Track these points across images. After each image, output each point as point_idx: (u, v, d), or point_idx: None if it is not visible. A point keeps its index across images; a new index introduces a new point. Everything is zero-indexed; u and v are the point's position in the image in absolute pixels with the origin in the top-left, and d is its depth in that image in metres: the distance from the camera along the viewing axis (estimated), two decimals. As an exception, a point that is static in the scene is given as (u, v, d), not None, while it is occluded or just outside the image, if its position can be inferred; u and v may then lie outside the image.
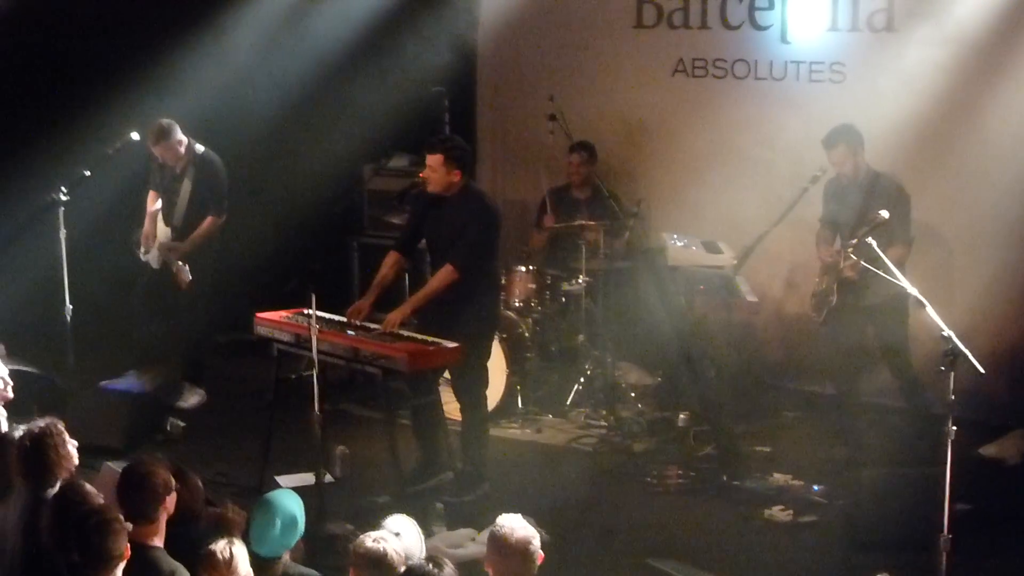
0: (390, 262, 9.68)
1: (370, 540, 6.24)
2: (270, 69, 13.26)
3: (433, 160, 9.36)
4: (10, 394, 8.36)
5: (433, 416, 9.66)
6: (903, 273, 8.37)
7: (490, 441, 9.92)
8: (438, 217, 9.51)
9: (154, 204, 11.55)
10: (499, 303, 10.10)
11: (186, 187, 11.35)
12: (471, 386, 9.62)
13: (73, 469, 7.04)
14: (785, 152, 11.69)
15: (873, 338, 10.22)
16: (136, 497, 6.46)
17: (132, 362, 11.60)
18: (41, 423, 7.06)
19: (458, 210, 9.39)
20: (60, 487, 6.64)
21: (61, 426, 7.08)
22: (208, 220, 11.35)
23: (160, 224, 11.44)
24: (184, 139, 11.33)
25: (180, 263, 11.18)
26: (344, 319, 9.41)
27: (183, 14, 12.60)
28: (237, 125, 12.87)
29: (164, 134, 11.19)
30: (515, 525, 6.21)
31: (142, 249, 11.48)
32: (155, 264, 11.39)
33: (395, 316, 9.26)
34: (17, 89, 12.39)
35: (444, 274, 9.30)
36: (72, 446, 7.08)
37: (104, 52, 12.52)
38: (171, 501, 6.55)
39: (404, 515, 6.78)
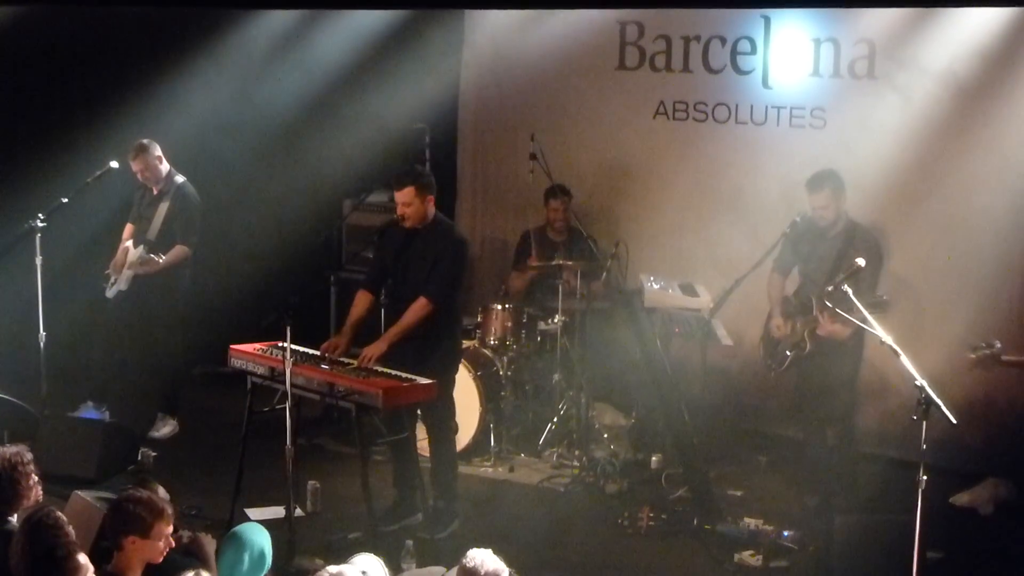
0: (362, 301, 9.69)
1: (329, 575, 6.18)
2: (253, 102, 13.26)
3: (406, 194, 9.34)
4: None
5: (409, 453, 9.62)
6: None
7: (461, 478, 9.92)
8: (408, 250, 9.51)
9: (128, 238, 11.55)
10: (461, 336, 10.10)
11: (162, 209, 11.41)
12: (441, 420, 9.64)
13: (35, 501, 7.01)
14: (764, 197, 11.71)
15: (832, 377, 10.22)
16: (118, 527, 6.43)
17: (91, 393, 11.57)
18: (12, 450, 7.03)
19: (428, 241, 9.43)
20: (35, 515, 6.58)
21: (29, 456, 7.05)
22: (177, 247, 11.35)
23: (131, 249, 11.41)
24: (164, 160, 11.38)
25: (151, 255, 11.17)
26: (319, 353, 9.40)
27: (166, 46, 12.62)
28: (219, 157, 12.90)
29: (142, 149, 11.32)
30: (485, 559, 6.20)
31: (110, 280, 11.45)
32: (123, 286, 11.36)
33: (372, 350, 9.24)
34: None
35: (419, 307, 9.30)
36: (36, 477, 7.05)
37: (86, 82, 12.54)
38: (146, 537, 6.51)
39: (371, 554, 6.76)
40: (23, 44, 12.17)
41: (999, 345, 8.42)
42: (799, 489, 10.51)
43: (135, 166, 11.32)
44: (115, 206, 11.84)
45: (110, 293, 11.46)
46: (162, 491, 7.36)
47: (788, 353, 10.07)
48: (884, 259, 10.06)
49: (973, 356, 8.44)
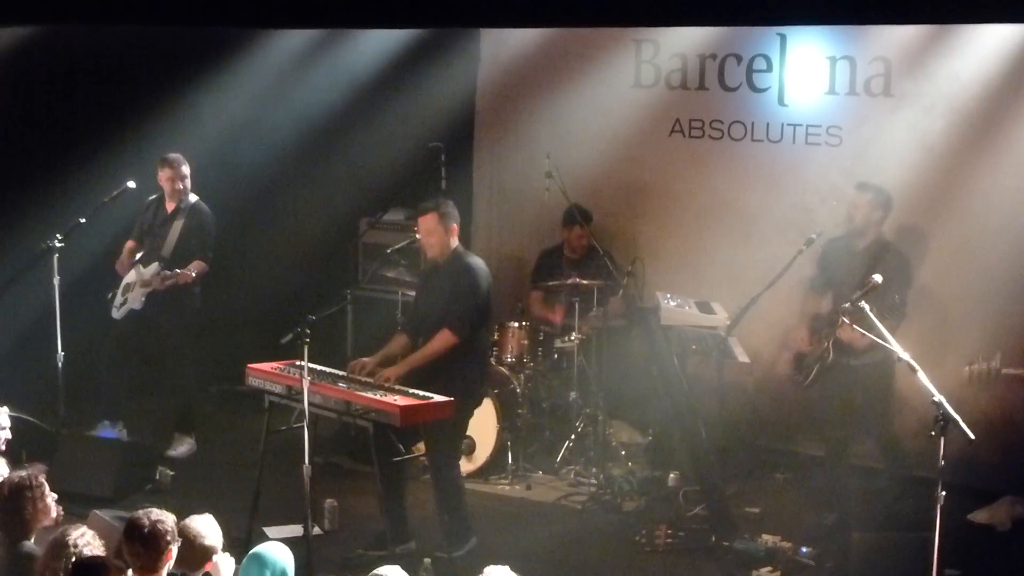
0: (398, 342, 9.64)
1: None
2: (269, 121, 13.29)
3: (428, 221, 9.34)
4: (2, 445, 8.35)
5: (401, 476, 9.50)
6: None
7: (476, 496, 9.91)
8: (431, 285, 9.50)
9: (128, 255, 11.54)
10: (483, 378, 9.92)
11: (176, 226, 11.44)
12: (444, 458, 9.43)
13: (50, 523, 7.02)
14: (780, 214, 11.73)
15: (859, 398, 10.22)
16: (142, 548, 6.44)
17: (108, 412, 11.58)
18: (22, 474, 7.05)
19: (448, 274, 9.39)
20: (56, 535, 6.59)
21: (42, 479, 7.06)
22: (196, 262, 11.35)
23: (140, 267, 11.42)
24: (187, 179, 11.41)
25: (178, 270, 11.18)
26: (337, 372, 9.39)
27: (183, 66, 12.65)
28: (234, 176, 12.91)
29: (176, 160, 11.43)
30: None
31: (117, 301, 11.46)
32: (137, 306, 11.37)
33: (391, 372, 9.20)
34: (15, 136, 12.42)
35: (443, 338, 9.22)
36: (51, 499, 7.06)
37: (103, 102, 12.56)
38: (173, 551, 6.54)
39: (396, 566, 6.75)
40: (39, 64, 12.21)
41: (998, 358, 8.40)
42: (816, 506, 10.50)
43: (164, 175, 11.37)
44: (132, 226, 11.84)
45: (118, 314, 11.45)
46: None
47: (814, 366, 10.05)
48: (912, 277, 10.06)
49: (968, 370, 8.42)
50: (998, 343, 10.66)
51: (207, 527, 6.95)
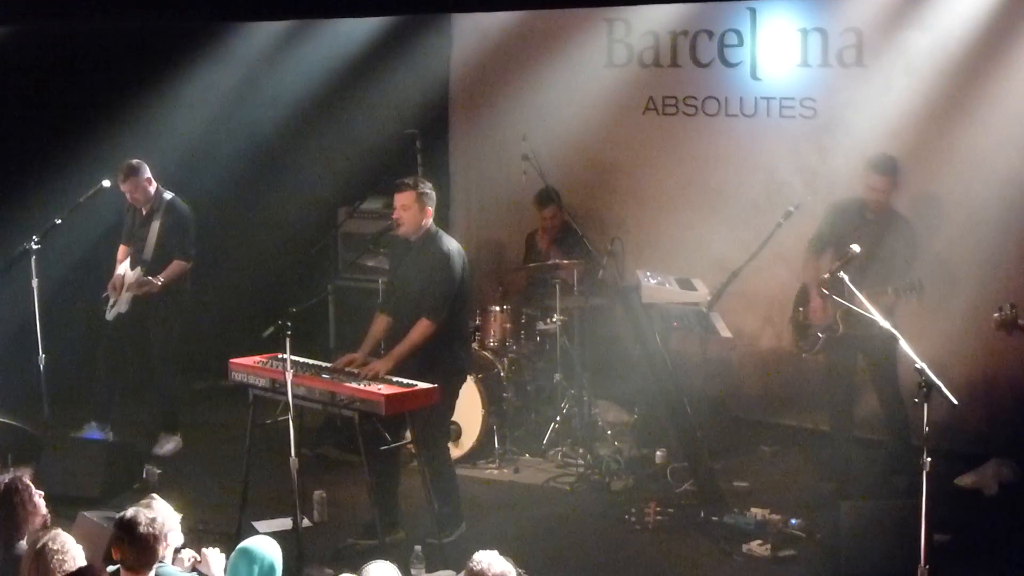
0: (379, 324, 9.59)
1: None
2: (244, 114, 13.27)
3: (405, 199, 9.29)
4: None
5: (395, 464, 9.52)
6: (894, 316, 8.68)
7: (463, 481, 9.91)
8: (406, 264, 9.48)
9: (123, 259, 11.53)
10: (466, 354, 9.88)
11: (154, 229, 11.38)
12: (435, 438, 9.46)
13: (42, 521, 7.02)
14: (757, 187, 11.75)
15: (864, 367, 10.23)
16: (135, 547, 6.43)
17: (94, 413, 11.57)
18: (5, 477, 7.04)
19: (421, 254, 9.36)
20: (41, 540, 6.58)
21: (27, 479, 7.06)
22: (175, 263, 11.34)
23: (127, 271, 11.41)
24: (153, 181, 11.36)
25: (149, 278, 11.18)
26: (321, 363, 9.37)
27: (155, 61, 12.62)
28: (211, 170, 12.90)
29: (132, 171, 11.25)
30: (492, 561, 6.18)
31: (109, 303, 11.44)
32: (124, 308, 11.35)
33: (379, 366, 9.15)
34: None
35: (422, 327, 9.18)
36: (39, 497, 7.05)
37: (76, 100, 12.53)
38: (162, 548, 6.53)
39: (385, 561, 6.74)
40: (10, 65, 12.17)
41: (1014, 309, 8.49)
42: (811, 477, 10.54)
43: (124, 188, 11.28)
44: (109, 224, 11.83)
45: (110, 316, 11.44)
46: (160, 503, 7.30)
47: (820, 335, 10.03)
48: (920, 249, 10.08)
49: (997, 316, 8.48)
50: (980, 307, 10.70)
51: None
